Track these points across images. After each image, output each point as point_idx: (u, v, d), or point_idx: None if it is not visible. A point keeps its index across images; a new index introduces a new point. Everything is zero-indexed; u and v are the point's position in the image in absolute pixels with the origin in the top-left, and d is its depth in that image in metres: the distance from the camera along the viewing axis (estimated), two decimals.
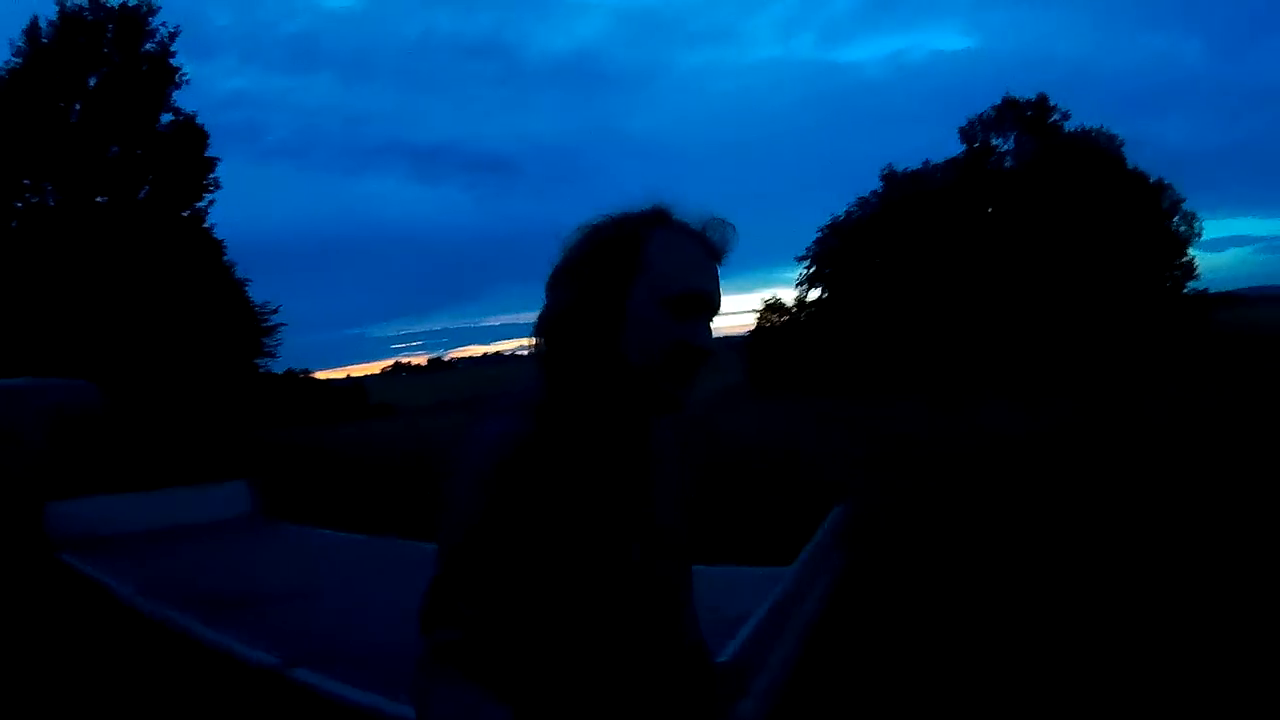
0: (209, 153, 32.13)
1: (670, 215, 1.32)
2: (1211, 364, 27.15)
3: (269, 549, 9.52)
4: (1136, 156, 36.95)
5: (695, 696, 1.42)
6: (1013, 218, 35.05)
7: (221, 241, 31.92)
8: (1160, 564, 5.98)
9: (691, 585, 1.48)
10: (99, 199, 29.93)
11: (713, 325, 1.32)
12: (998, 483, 10.08)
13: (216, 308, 28.79)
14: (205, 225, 31.83)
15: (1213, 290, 38.29)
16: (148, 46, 31.00)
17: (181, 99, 31.67)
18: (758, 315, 46.42)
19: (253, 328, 32.28)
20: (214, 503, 11.19)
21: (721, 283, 1.34)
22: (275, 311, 33.65)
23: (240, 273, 32.63)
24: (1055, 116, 37.02)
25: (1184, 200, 37.08)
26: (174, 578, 7.43)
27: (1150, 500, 8.20)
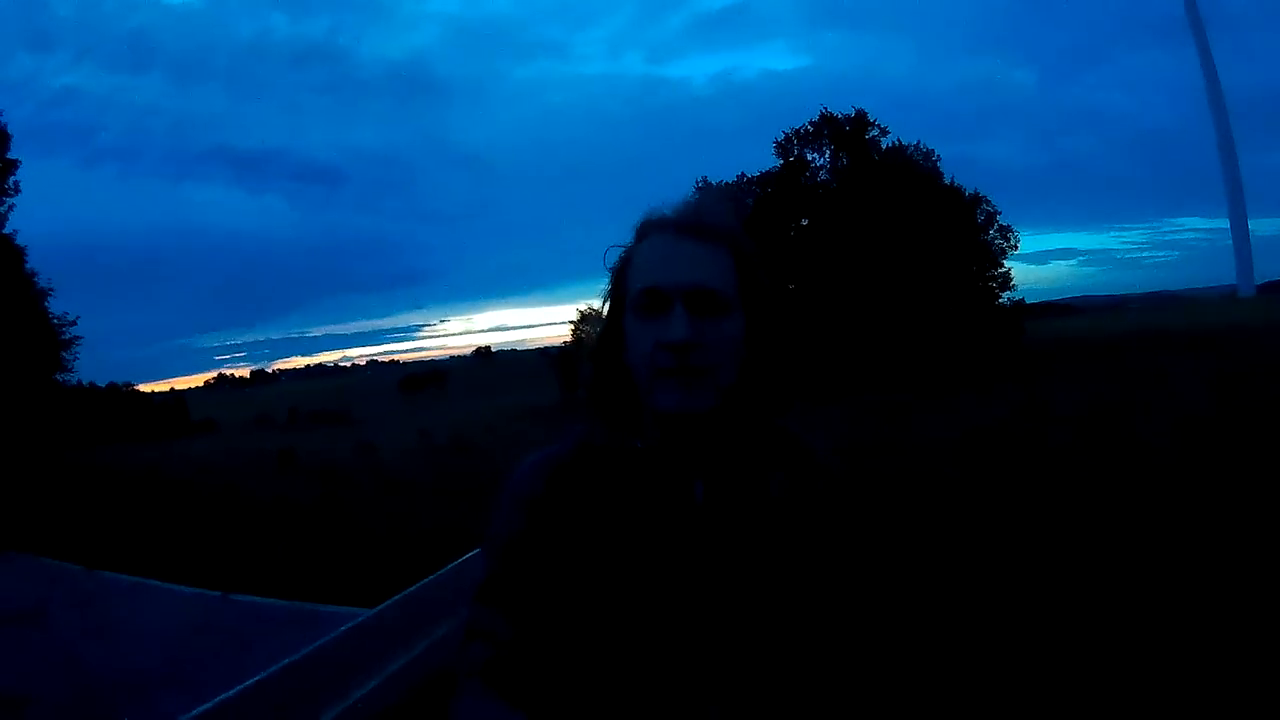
0: (11, 154, 30.10)
1: (655, 220, 1.30)
2: (1023, 369, 28.47)
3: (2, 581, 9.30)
4: (962, 175, 38.48)
5: None
6: (826, 229, 35.69)
7: (22, 249, 30.07)
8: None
9: (808, 661, 1.23)
10: None
11: (709, 307, 1.24)
12: None
13: (9, 319, 27.01)
14: (4, 232, 29.81)
15: (1038, 300, 40.11)
16: None
17: None
18: (573, 326, 46.49)
19: (49, 341, 30.45)
20: None
21: (718, 252, 1.27)
22: (74, 323, 31.91)
23: (48, 282, 30.80)
24: (873, 132, 38.04)
25: (999, 213, 38.77)
26: None
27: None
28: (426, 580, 5.42)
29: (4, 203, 30.03)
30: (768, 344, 1.31)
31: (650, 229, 1.31)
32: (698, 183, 40.15)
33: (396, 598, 5.11)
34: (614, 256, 1.35)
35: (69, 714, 5.12)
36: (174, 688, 5.64)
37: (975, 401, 20.56)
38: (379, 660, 4.80)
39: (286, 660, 4.17)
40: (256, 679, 3.94)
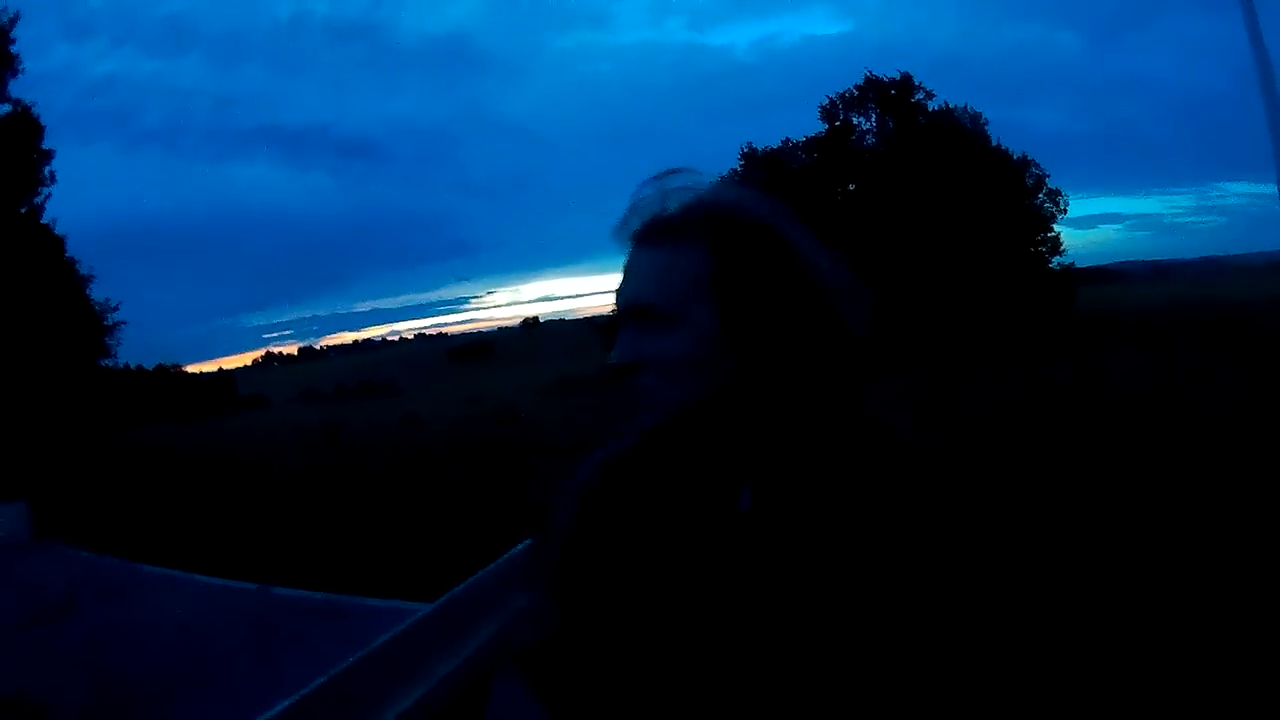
0: (50, 143, 30.46)
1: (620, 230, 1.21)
2: (1076, 337, 27.92)
3: (34, 573, 9.29)
4: (1008, 139, 37.92)
5: None
6: (874, 194, 35.01)
7: (62, 238, 30.43)
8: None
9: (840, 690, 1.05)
10: None
11: (647, 324, 1.13)
12: None
13: (52, 308, 27.32)
14: (43, 222, 30.13)
15: (1085, 265, 39.54)
16: None
17: (18, 88, 29.97)
18: None
19: (92, 327, 30.83)
20: None
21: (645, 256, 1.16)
22: (115, 309, 32.30)
23: (89, 269, 31.26)
24: (919, 96, 37.31)
25: (1048, 177, 37.87)
26: None
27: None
28: (482, 572, 5.14)
29: (40, 192, 30.34)
30: (760, 338, 1.12)
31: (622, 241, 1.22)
32: (742, 150, 40.28)
33: (453, 592, 4.82)
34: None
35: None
36: (203, 688, 5.47)
37: (1030, 372, 20.08)
38: (437, 658, 4.57)
39: (347, 662, 3.95)
40: (313, 687, 3.72)
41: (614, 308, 1.18)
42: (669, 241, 1.14)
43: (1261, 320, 27.42)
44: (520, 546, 5.49)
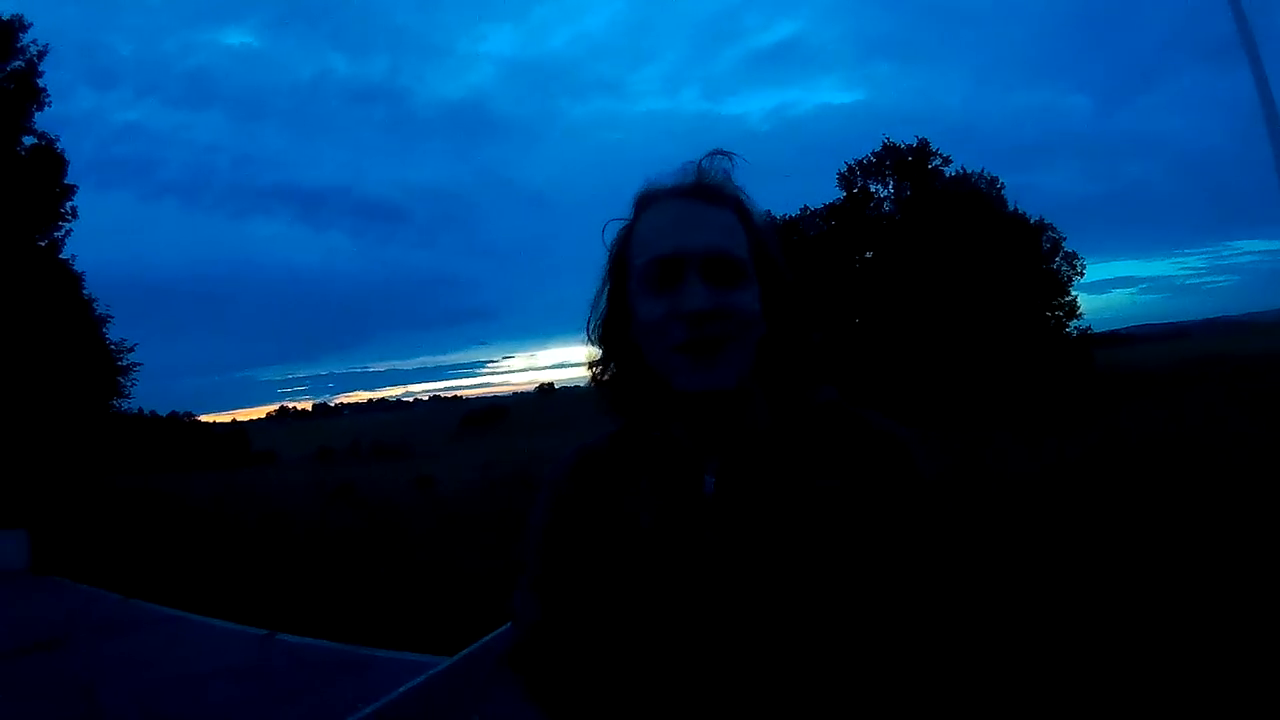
0: (71, 181, 30.58)
1: (656, 187, 1.21)
2: (1095, 402, 27.67)
3: (30, 603, 9.29)
4: (1022, 202, 38.04)
5: None
6: (892, 260, 35.09)
7: (80, 275, 30.38)
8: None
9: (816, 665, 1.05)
10: None
11: (727, 276, 1.13)
12: None
13: (67, 341, 27.23)
14: (62, 257, 30.13)
15: (1097, 330, 39.45)
16: (15, 64, 29.18)
17: (44, 122, 30.25)
18: None
19: (107, 366, 30.68)
20: None
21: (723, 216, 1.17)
22: (131, 350, 32.19)
23: (106, 308, 31.11)
24: (935, 162, 37.53)
25: (1065, 240, 37.93)
26: None
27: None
28: (498, 631, 4.97)
29: (61, 227, 30.24)
30: (784, 319, 1.19)
31: (651, 198, 1.21)
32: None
33: (473, 646, 4.62)
34: (613, 232, 1.27)
35: None
36: None
37: (1050, 434, 19.83)
38: (453, 716, 4.41)
39: (363, 713, 3.81)
40: None
41: (671, 255, 1.13)
42: (720, 204, 1.17)
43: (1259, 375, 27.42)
44: None
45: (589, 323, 1.28)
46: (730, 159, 1.21)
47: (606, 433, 1.31)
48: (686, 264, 1.11)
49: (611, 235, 1.26)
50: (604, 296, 1.26)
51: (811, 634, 1.04)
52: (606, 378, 1.27)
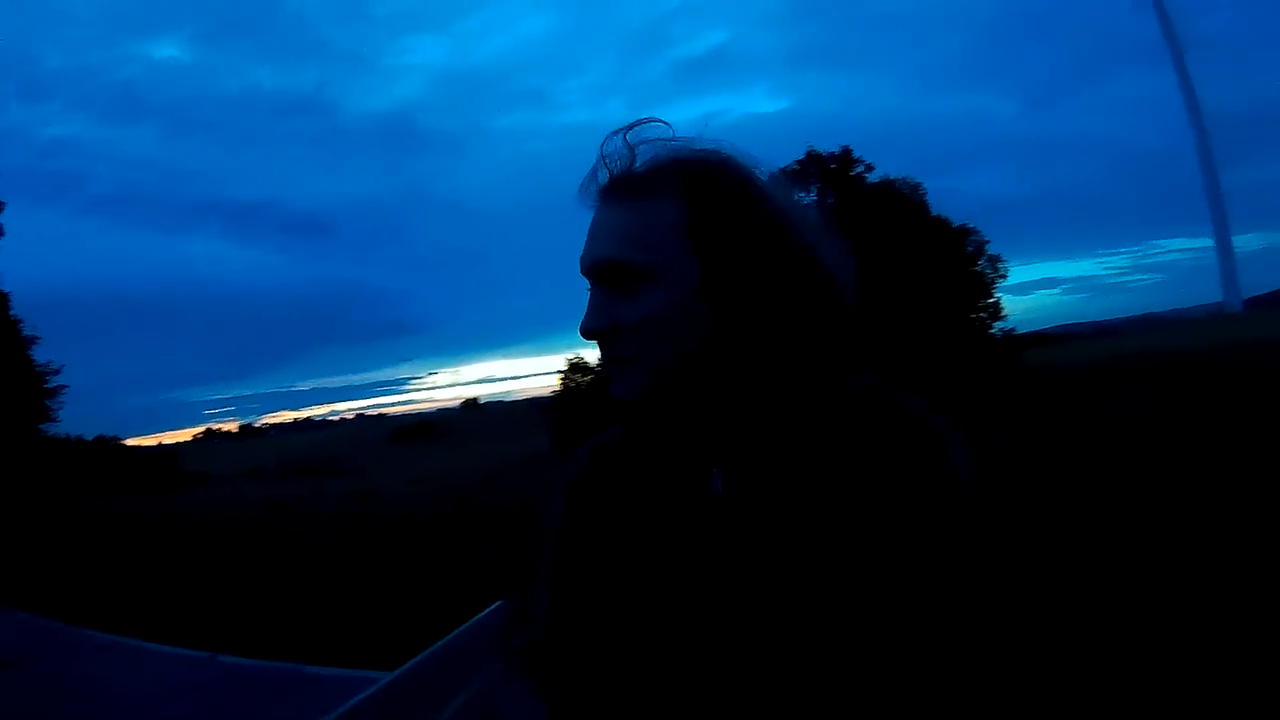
0: None
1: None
2: (1023, 402, 28.27)
3: None
4: (947, 208, 38.64)
5: None
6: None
7: (7, 294, 29.69)
8: None
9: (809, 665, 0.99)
10: None
11: (617, 284, 1.07)
12: None
13: None
14: None
15: (1022, 330, 40.19)
16: None
17: None
18: (561, 376, 46.19)
19: (34, 389, 30.00)
20: None
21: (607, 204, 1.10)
22: (58, 372, 31.50)
23: (33, 329, 30.46)
24: (859, 169, 38.05)
25: (988, 243, 38.57)
26: None
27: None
28: (447, 638, 4.94)
29: None
30: (741, 291, 1.05)
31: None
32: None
33: (416, 659, 4.63)
34: None
35: None
36: None
37: (977, 434, 20.31)
38: None
39: None
40: None
41: (583, 272, 1.11)
42: (639, 196, 1.08)
43: (1190, 369, 28.37)
44: (487, 611, 5.39)
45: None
46: (661, 124, 1.12)
47: (623, 423, 1.26)
48: (589, 280, 1.11)
49: None
50: None
51: (811, 637, 0.98)
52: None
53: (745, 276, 1.05)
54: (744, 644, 1.01)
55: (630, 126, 1.11)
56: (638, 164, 1.10)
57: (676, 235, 1.05)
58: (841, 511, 1.00)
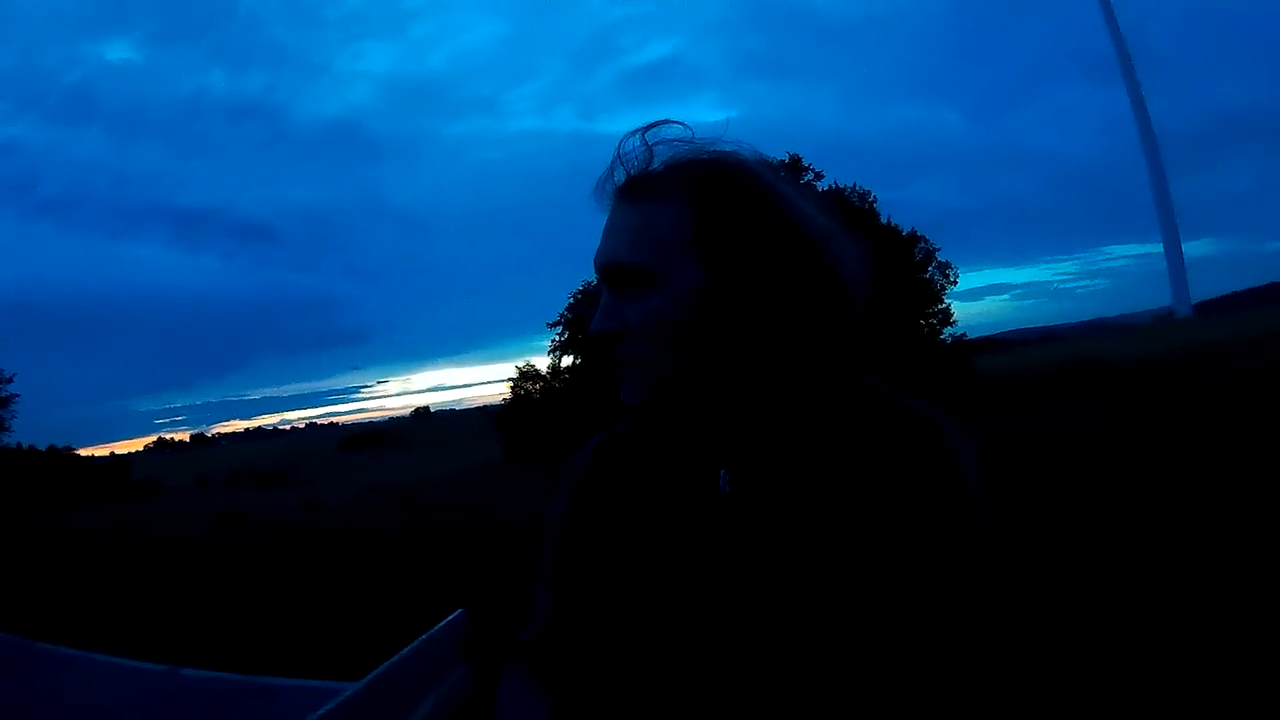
0: None
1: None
2: (969, 407, 28.66)
3: None
4: (897, 217, 38.99)
5: None
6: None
7: None
8: None
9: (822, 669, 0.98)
10: None
11: (625, 286, 1.08)
12: None
13: None
14: None
15: (973, 336, 40.60)
16: None
17: None
18: (511, 384, 45.74)
19: None
20: None
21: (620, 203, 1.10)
22: (10, 380, 31.03)
23: None
24: (808, 176, 38.16)
25: (938, 250, 39.10)
26: None
27: None
28: (408, 648, 4.97)
29: None
30: (746, 299, 1.04)
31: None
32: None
33: (379, 669, 4.62)
34: None
35: None
36: None
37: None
38: None
39: None
40: None
41: (596, 272, 1.11)
42: (651, 197, 1.08)
43: (1138, 375, 28.72)
44: (449, 620, 5.44)
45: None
46: (680, 125, 1.13)
47: (626, 421, 1.23)
48: (601, 281, 1.10)
49: None
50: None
51: (820, 640, 0.98)
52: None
53: (751, 284, 1.04)
54: (752, 645, 1.01)
55: (649, 126, 1.12)
56: (655, 164, 1.10)
57: (684, 240, 1.05)
58: (850, 515, 1.00)
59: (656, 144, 1.11)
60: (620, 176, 1.11)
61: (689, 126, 1.12)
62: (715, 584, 1.04)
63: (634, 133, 1.12)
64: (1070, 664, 4.87)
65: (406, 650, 4.88)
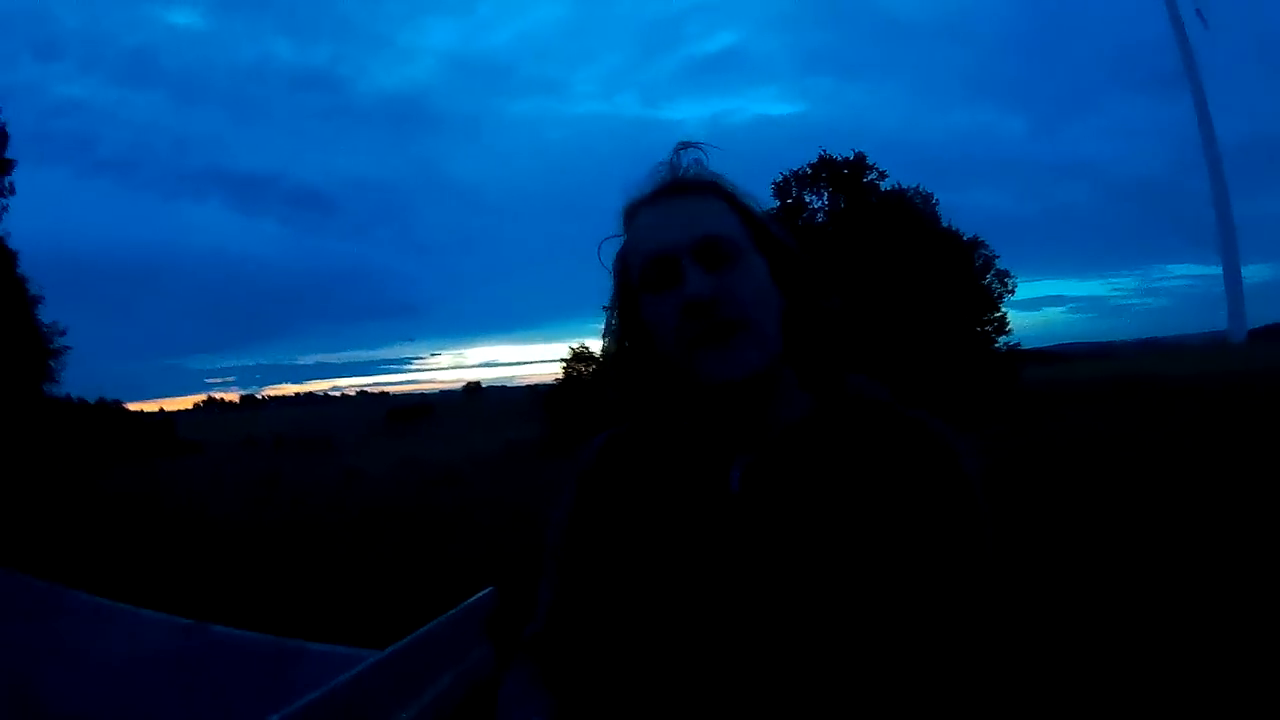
0: (10, 154, 29.78)
1: (637, 197, 1.23)
2: (1021, 415, 28.28)
3: None
4: (956, 220, 38.47)
5: None
6: (824, 270, 35.06)
7: (15, 253, 29.53)
8: None
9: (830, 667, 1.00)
10: None
11: (722, 258, 1.13)
12: None
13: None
14: None
15: (1027, 346, 40.07)
16: None
17: None
18: (564, 365, 45.09)
19: (38, 349, 29.83)
20: None
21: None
22: (63, 333, 31.36)
23: (39, 289, 30.25)
24: (871, 175, 37.73)
25: (997, 258, 38.51)
26: None
27: None
28: (435, 622, 4.91)
29: None
30: (798, 288, 1.19)
31: (636, 207, 1.23)
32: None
33: (408, 639, 4.60)
34: (611, 251, 1.28)
35: None
36: None
37: (974, 441, 20.28)
38: (391, 707, 4.35)
39: (293, 707, 3.64)
40: None
41: (663, 252, 1.15)
42: (698, 193, 1.19)
43: (1191, 395, 28.20)
44: (476, 597, 5.37)
45: (603, 345, 1.29)
46: (700, 148, 1.23)
47: (634, 421, 1.28)
48: (681, 257, 1.12)
49: (609, 254, 1.28)
50: (614, 313, 1.26)
51: (826, 641, 1.00)
52: (627, 384, 1.26)
53: (790, 271, 1.19)
54: (758, 644, 1.02)
55: (684, 146, 1.24)
56: (686, 170, 1.23)
57: (743, 232, 1.17)
58: (858, 519, 1.04)
59: (691, 163, 1.23)
60: (684, 169, 1.22)
61: (705, 153, 1.24)
62: (723, 582, 1.06)
63: (685, 143, 1.24)
64: (1078, 669, 4.88)
65: (432, 624, 4.82)
